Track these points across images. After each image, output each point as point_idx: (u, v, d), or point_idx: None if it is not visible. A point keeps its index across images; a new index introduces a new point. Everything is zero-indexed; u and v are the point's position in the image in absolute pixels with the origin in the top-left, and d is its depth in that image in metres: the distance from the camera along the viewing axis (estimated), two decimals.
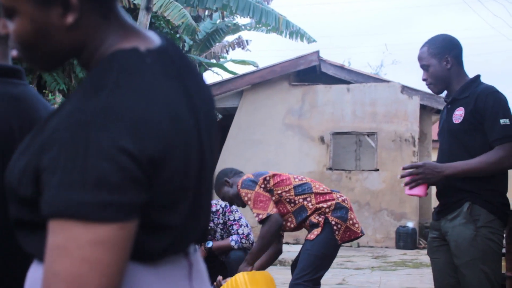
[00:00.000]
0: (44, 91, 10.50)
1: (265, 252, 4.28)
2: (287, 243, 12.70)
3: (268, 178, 4.25)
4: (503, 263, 3.89)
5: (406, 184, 3.35)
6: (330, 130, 13.66)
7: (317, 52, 13.72)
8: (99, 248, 0.92)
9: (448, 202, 3.40)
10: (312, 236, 4.15)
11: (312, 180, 4.41)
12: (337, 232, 4.14)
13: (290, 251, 10.81)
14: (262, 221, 4.12)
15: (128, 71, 1.04)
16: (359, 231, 4.27)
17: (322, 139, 13.69)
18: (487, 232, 3.26)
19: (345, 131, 13.66)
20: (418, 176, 3.29)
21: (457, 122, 3.40)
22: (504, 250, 3.70)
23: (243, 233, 5.20)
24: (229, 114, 14.52)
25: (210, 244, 5.22)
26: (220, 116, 14.15)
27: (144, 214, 1.00)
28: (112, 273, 0.93)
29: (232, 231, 5.23)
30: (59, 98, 10.30)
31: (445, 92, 3.65)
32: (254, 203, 4.13)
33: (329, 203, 4.20)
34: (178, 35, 13.84)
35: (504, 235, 3.62)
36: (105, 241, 0.93)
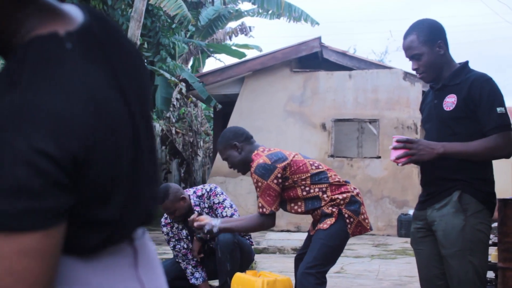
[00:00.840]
0: None
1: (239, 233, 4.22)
2: (288, 231, 12.68)
3: (287, 166, 4.00)
4: (495, 253, 3.81)
5: (398, 158, 3.24)
6: (331, 117, 13.55)
7: (319, 38, 13.58)
8: (24, 259, 0.86)
9: (436, 191, 3.32)
10: (325, 225, 3.98)
11: (327, 168, 4.20)
12: (349, 226, 3.99)
13: (290, 239, 10.76)
14: (263, 214, 4.01)
15: (45, 62, 0.95)
16: (368, 227, 4.14)
17: (323, 126, 13.59)
18: (477, 222, 3.18)
19: (346, 118, 13.54)
20: (411, 151, 3.20)
21: (448, 110, 3.31)
22: (496, 240, 3.63)
23: (226, 215, 5.13)
24: (230, 101, 14.42)
25: (200, 234, 5.17)
26: (219, 106, 14.03)
27: (75, 211, 0.93)
28: (40, 282, 0.88)
29: (218, 214, 5.18)
30: None
31: None
32: (262, 193, 3.97)
33: (344, 195, 4.05)
34: (174, 25, 13.67)
35: (496, 224, 3.55)
36: (30, 251, 0.86)
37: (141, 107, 1.10)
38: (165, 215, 5.33)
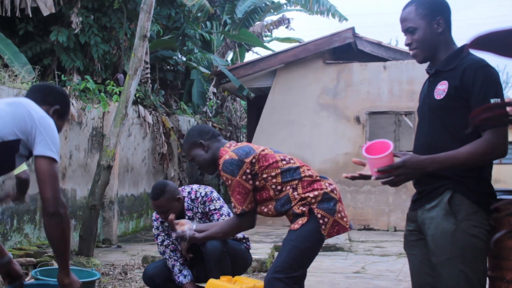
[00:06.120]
0: (58, 72, 10.33)
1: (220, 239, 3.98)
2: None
3: (254, 160, 3.75)
4: None
5: (384, 183, 2.92)
6: (366, 109, 13.13)
7: (352, 28, 13.16)
8: None
9: (426, 190, 2.98)
10: (296, 226, 3.66)
11: (300, 162, 3.88)
12: (323, 226, 3.63)
13: None
14: (236, 215, 3.78)
15: None
16: (347, 226, 3.75)
17: (358, 119, 13.18)
18: (469, 226, 2.82)
19: (381, 110, 13.10)
20: (399, 177, 2.86)
21: (438, 98, 2.95)
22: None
23: None
24: (263, 94, 14.14)
25: (178, 241, 4.92)
26: (252, 95, 13.75)
27: None
28: None
29: (213, 220, 4.87)
30: (76, 79, 10.10)
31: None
32: (233, 192, 3.72)
33: (315, 193, 3.69)
34: (198, 15, 13.43)
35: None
36: None
37: None
38: None
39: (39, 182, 3.01)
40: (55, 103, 3.29)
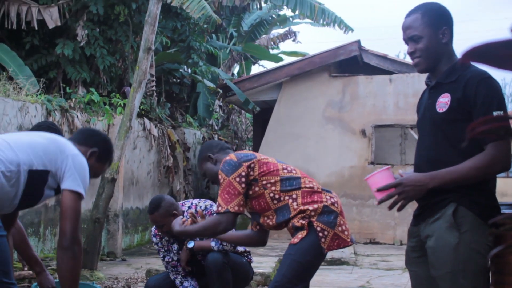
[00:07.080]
0: (63, 85, 10.34)
1: (196, 237, 3.98)
2: None
3: (252, 165, 3.75)
4: None
5: (390, 208, 2.90)
6: (371, 123, 13.08)
7: (358, 41, 13.13)
8: None
9: (429, 203, 2.93)
10: (296, 239, 3.63)
11: (302, 174, 3.86)
12: (323, 240, 3.59)
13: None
14: (218, 213, 3.73)
15: None
16: (348, 240, 3.71)
17: (363, 132, 13.13)
18: (473, 240, 2.78)
19: (387, 123, 13.06)
20: (399, 196, 2.84)
21: (441, 111, 2.92)
22: None
23: None
24: (269, 107, 14.12)
25: (191, 244, 4.88)
26: (257, 109, 13.74)
27: None
28: None
29: None
30: (81, 92, 10.11)
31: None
32: (222, 191, 3.71)
33: (315, 206, 3.66)
34: (204, 27, 13.44)
35: None
36: None
37: None
38: None
39: (61, 214, 3.09)
40: (94, 146, 3.39)
